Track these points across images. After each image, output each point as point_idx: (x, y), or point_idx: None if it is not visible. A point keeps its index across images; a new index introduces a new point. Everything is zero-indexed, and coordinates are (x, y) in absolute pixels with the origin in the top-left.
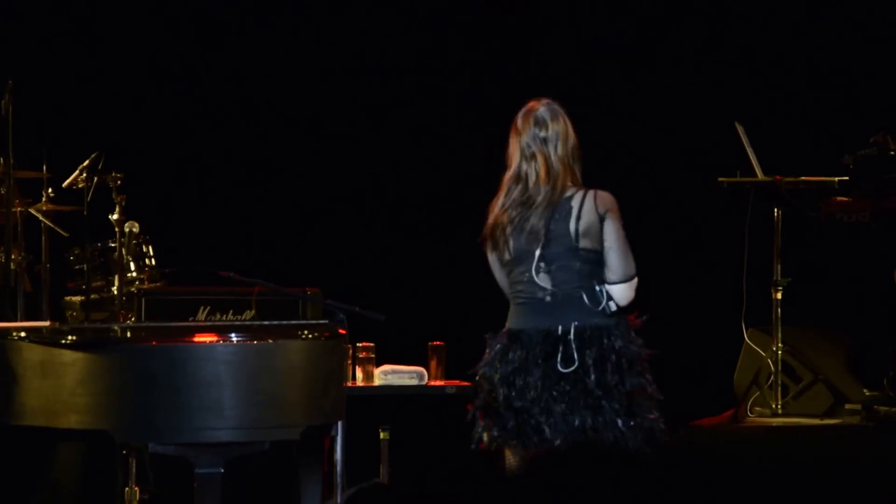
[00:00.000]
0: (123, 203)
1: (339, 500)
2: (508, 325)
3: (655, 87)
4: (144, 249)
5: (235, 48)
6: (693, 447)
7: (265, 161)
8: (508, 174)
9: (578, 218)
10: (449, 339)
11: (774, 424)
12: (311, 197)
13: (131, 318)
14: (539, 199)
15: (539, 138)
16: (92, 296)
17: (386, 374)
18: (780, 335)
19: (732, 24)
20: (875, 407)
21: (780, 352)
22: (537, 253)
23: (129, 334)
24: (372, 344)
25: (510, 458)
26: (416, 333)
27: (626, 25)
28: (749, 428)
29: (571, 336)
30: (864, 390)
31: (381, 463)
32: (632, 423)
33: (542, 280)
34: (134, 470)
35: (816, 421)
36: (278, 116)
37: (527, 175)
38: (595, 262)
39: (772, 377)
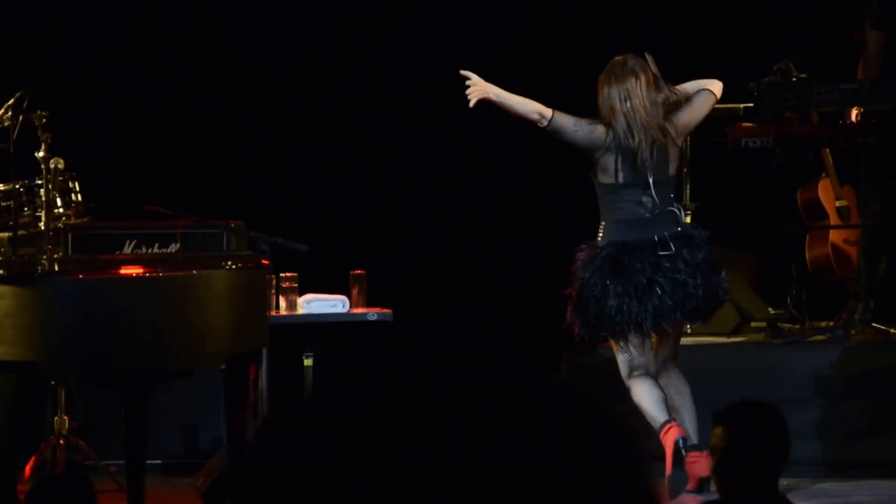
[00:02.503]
0: (49, 141)
1: None
2: (612, 237)
3: (563, 19)
4: (70, 185)
5: None
6: (609, 365)
7: (187, 95)
8: (611, 114)
9: (668, 148)
10: (369, 267)
11: (684, 343)
12: (234, 130)
13: (58, 252)
14: (645, 135)
15: (637, 85)
16: (19, 232)
17: (309, 303)
18: None
19: None
20: (779, 324)
21: None
22: (646, 180)
23: (56, 268)
24: (295, 274)
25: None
26: (337, 263)
27: None
28: None
29: (671, 238)
30: (769, 309)
31: (305, 388)
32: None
33: (647, 201)
34: (63, 399)
35: (723, 339)
36: (201, 49)
37: (630, 115)
38: (674, 185)
39: None
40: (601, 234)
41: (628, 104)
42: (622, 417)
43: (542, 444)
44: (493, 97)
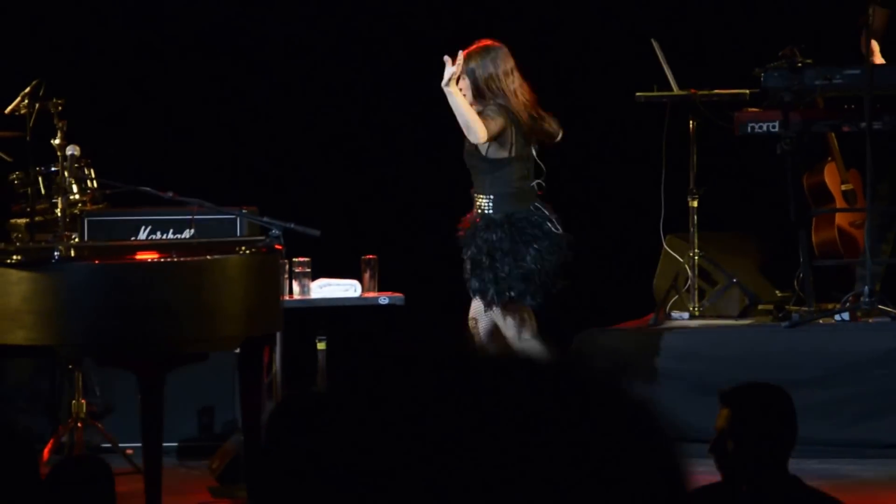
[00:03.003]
0: (65, 128)
1: None
2: (506, 209)
3: (572, 3)
4: (86, 172)
5: None
6: (616, 348)
7: (201, 82)
8: (505, 91)
9: None
10: (380, 252)
11: (692, 326)
12: (247, 117)
13: (74, 238)
14: (528, 111)
15: (513, 67)
16: (36, 218)
17: (322, 287)
18: (696, 241)
19: None
20: (786, 307)
21: (696, 257)
22: (529, 154)
23: (72, 253)
24: (308, 258)
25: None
26: (349, 247)
27: None
28: (668, 330)
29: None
30: (776, 291)
31: (318, 371)
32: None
33: (528, 174)
34: (80, 383)
35: (731, 322)
36: (213, 38)
37: (520, 93)
38: None
39: (689, 281)
40: (491, 206)
41: (515, 83)
42: (649, 400)
43: (567, 428)
44: (454, 92)
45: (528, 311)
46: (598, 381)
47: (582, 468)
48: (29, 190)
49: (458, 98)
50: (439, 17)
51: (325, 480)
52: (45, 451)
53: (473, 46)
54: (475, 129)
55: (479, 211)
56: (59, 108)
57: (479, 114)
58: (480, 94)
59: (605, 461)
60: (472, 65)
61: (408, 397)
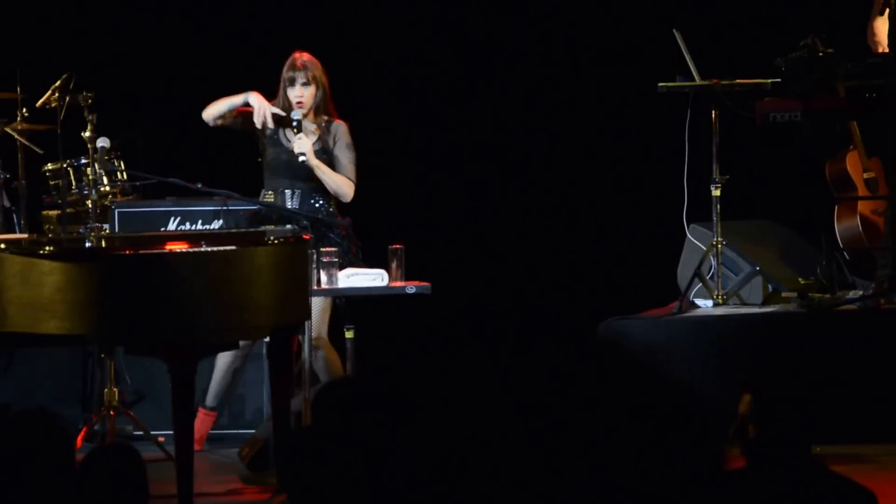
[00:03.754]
0: (94, 121)
1: (307, 396)
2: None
3: None
4: (116, 164)
5: None
6: (641, 335)
7: (227, 73)
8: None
9: None
10: (407, 242)
11: (716, 314)
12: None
13: (105, 229)
14: None
15: None
16: (67, 210)
17: (349, 277)
18: (719, 230)
19: None
20: (809, 294)
21: (719, 246)
22: None
23: (103, 244)
24: (335, 248)
25: None
26: (376, 238)
27: None
28: (692, 318)
29: None
30: (799, 279)
31: (347, 359)
32: None
33: None
34: (112, 372)
35: (754, 309)
36: (241, 30)
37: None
38: None
39: (712, 270)
40: (335, 212)
41: None
42: (687, 383)
43: (607, 412)
44: (319, 164)
45: None
46: (637, 368)
47: (625, 451)
48: (60, 182)
49: (324, 167)
50: (457, 8)
51: (357, 468)
52: (78, 440)
53: (306, 57)
54: (347, 192)
55: (333, 211)
56: (89, 101)
57: (326, 141)
58: (321, 107)
59: (648, 444)
60: (319, 75)
61: (442, 387)
